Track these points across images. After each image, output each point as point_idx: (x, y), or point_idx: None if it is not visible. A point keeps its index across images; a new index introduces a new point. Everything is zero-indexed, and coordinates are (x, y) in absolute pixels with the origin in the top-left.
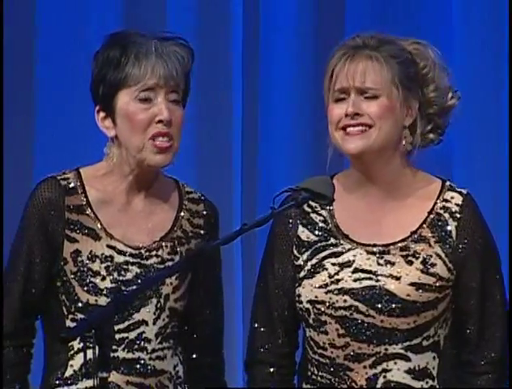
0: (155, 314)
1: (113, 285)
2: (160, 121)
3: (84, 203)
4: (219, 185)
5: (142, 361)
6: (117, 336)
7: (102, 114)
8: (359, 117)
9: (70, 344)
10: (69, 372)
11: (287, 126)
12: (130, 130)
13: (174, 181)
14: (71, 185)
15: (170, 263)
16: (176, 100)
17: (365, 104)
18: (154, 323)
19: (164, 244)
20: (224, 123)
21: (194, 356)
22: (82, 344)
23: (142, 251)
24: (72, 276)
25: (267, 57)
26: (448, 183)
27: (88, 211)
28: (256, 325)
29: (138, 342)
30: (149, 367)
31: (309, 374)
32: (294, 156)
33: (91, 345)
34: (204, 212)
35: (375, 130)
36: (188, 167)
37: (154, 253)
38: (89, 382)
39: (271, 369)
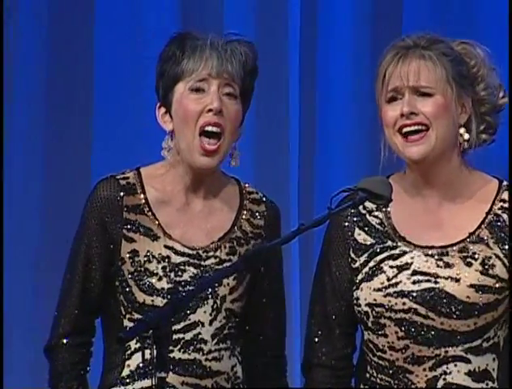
0: (211, 315)
1: (170, 286)
2: (210, 111)
3: (143, 202)
4: (277, 186)
5: (198, 362)
6: (174, 337)
7: (162, 110)
8: (414, 117)
9: (127, 344)
10: (126, 372)
11: (344, 126)
12: (182, 122)
13: (236, 181)
14: (130, 184)
15: (228, 264)
16: (230, 93)
17: (420, 103)
18: (210, 324)
19: (222, 244)
20: (281, 123)
21: (255, 357)
22: (139, 344)
23: (200, 252)
24: (129, 276)
25: (324, 58)
26: (505, 183)
27: (147, 211)
28: (313, 327)
29: (194, 343)
30: (205, 368)
31: (368, 376)
32: (351, 155)
33: (148, 345)
34: (265, 213)
35: (433, 132)
36: (245, 167)
37: (212, 253)
38: (145, 383)
39: (329, 371)
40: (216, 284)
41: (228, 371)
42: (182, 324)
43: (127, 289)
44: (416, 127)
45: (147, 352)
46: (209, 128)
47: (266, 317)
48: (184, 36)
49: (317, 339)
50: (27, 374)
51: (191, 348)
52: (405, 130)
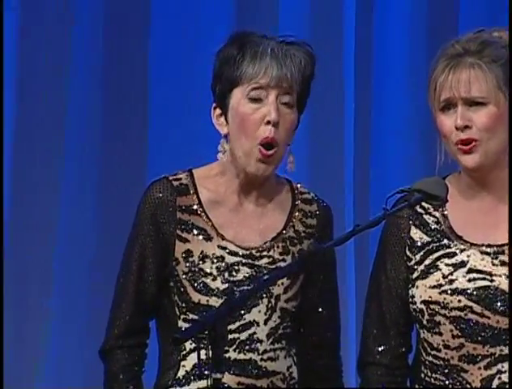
0: (266, 314)
1: (224, 286)
2: (268, 122)
3: (196, 203)
4: (332, 186)
5: (253, 362)
6: (229, 337)
7: (218, 111)
8: (468, 131)
9: (182, 345)
10: (181, 372)
11: (399, 127)
12: (239, 130)
13: (288, 182)
14: (183, 185)
15: (282, 264)
16: (288, 102)
17: (474, 115)
18: (265, 324)
19: (275, 244)
20: (336, 124)
21: (310, 357)
22: (194, 345)
23: (254, 252)
24: (184, 276)
25: (380, 57)
26: None
27: (200, 212)
28: (369, 327)
29: (249, 343)
30: (261, 368)
31: (422, 376)
32: (406, 156)
33: (203, 346)
34: (317, 213)
35: (487, 143)
36: (301, 168)
37: (265, 253)
38: (201, 383)
39: (384, 370)
40: (271, 284)
41: (283, 371)
42: (237, 324)
43: (182, 290)
44: (470, 145)
45: (203, 352)
46: (267, 141)
47: (321, 318)
48: (244, 38)
49: (372, 338)
50: (82, 375)
51: (246, 347)
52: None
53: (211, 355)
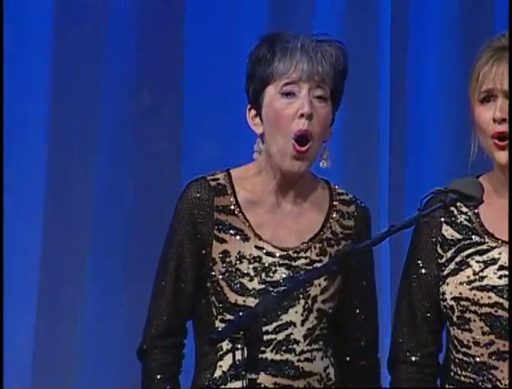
0: (302, 315)
1: (261, 286)
2: (301, 116)
3: (233, 203)
4: (367, 187)
5: (290, 363)
6: (265, 338)
7: (253, 112)
8: (505, 124)
9: (219, 345)
10: (217, 373)
11: (434, 126)
12: (273, 126)
13: (325, 183)
14: (221, 185)
15: (318, 265)
16: (321, 96)
17: None
18: (302, 325)
19: (312, 245)
20: (371, 123)
21: (348, 358)
22: (230, 345)
23: (291, 252)
24: (221, 277)
25: (415, 58)
26: None
27: (237, 212)
28: (399, 325)
29: (286, 343)
30: (297, 369)
31: (452, 374)
32: (441, 157)
33: (240, 346)
34: (355, 214)
35: None
36: (335, 167)
37: (302, 254)
38: (237, 384)
39: (414, 368)
40: (308, 285)
41: (320, 372)
42: (274, 325)
43: (218, 290)
44: (507, 141)
45: (239, 353)
46: (300, 133)
47: (358, 319)
48: (274, 37)
49: (402, 336)
50: (119, 375)
51: (283, 348)
52: (499, 141)
53: (246, 355)
